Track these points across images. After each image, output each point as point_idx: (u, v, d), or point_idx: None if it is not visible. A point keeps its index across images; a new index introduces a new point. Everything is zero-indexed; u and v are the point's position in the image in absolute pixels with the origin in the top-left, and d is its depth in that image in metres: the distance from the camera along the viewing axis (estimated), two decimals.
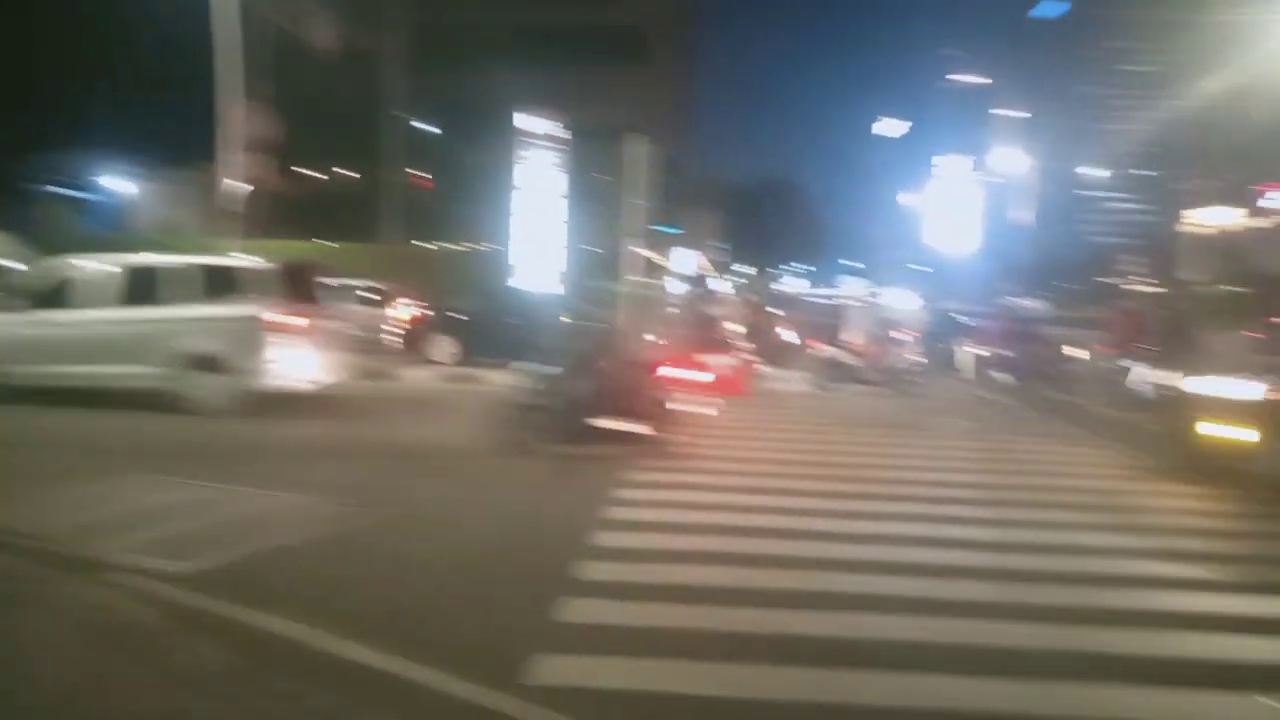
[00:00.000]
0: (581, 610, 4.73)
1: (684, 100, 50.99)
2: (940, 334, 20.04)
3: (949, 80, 55.66)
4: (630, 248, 15.60)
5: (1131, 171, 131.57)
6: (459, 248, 29.65)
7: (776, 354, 17.54)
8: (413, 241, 30.76)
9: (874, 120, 59.87)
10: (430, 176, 34.64)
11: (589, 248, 23.70)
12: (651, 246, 24.21)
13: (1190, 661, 4.32)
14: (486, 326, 16.61)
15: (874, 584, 5.27)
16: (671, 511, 6.79)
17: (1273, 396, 7.99)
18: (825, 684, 3.96)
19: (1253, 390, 8.17)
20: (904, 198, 62.60)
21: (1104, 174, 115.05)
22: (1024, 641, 4.49)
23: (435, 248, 30.75)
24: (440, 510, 6.82)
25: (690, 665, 4.09)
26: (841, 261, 76.39)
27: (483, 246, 27.01)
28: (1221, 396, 8.49)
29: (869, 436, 10.97)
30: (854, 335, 16.11)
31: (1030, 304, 20.52)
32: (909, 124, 56.65)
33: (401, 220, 29.83)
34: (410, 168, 32.11)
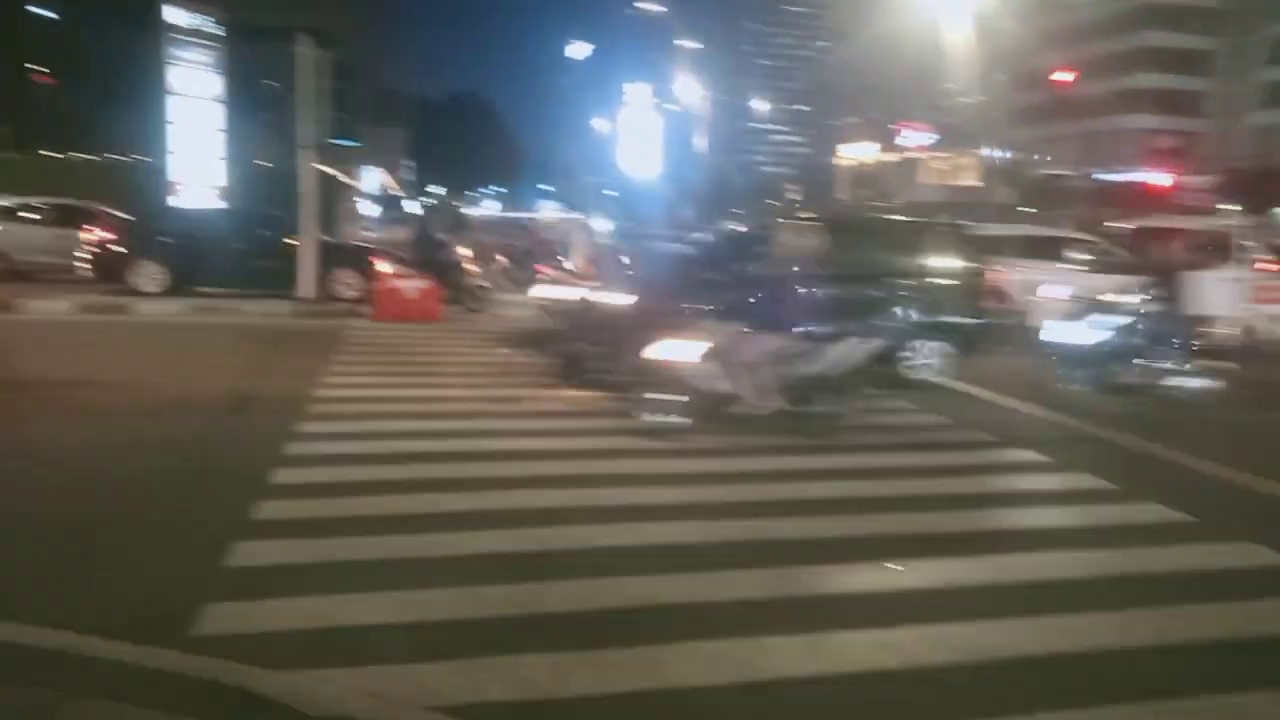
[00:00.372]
0: (255, 552, 4.38)
1: (362, 3, 47.63)
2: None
3: (634, 8, 57.08)
4: (309, 163, 14.30)
5: (796, 107, 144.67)
6: (99, 158, 25.74)
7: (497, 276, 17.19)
8: (42, 151, 26.26)
9: (567, 42, 60.13)
10: (49, 71, 29.46)
11: (260, 162, 21.57)
12: (333, 163, 22.53)
13: (832, 540, 4.91)
14: (204, 249, 14.59)
15: (556, 498, 5.40)
16: (354, 443, 6.47)
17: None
18: (516, 597, 4.00)
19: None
20: (597, 123, 63.83)
21: (771, 107, 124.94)
22: (703, 537, 4.86)
23: (63, 157, 26.43)
24: (84, 460, 5.95)
25: (372, 596, 3.95)
26: (540, 186, 76.84)
27: (130, 157, 23.65)
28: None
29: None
30: (577, 259, 16.19)
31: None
32: (594, 48, 57.57)
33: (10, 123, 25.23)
34: (28, 61, 27.16)
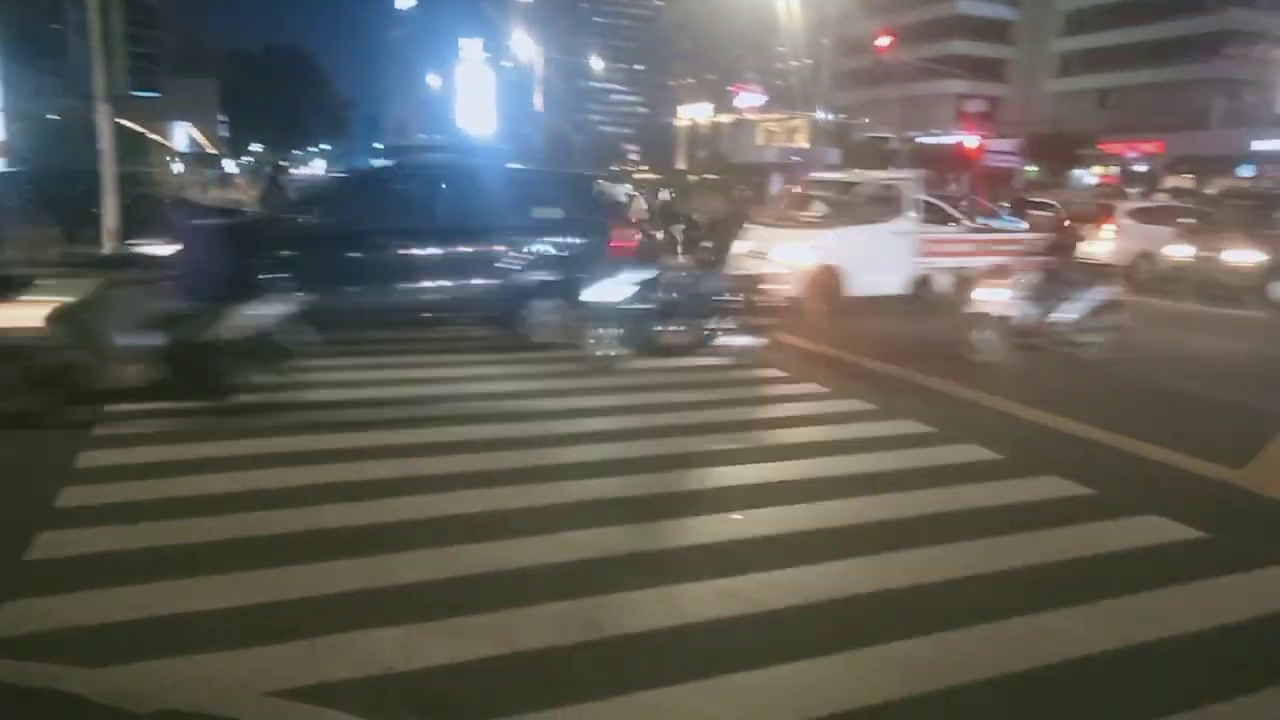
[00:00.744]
0: (60, 543, 4.02)
1: None
2: None
3: None
4: (106, 117, 12.98)
5: (634, 67, 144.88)
6: None
7: None
8: None
9: None
10: None
11: (48, 115, 19.47)
12: (138, 118, 20.60)
13: (684, 494, 5.02)
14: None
15: (407, 467, 5.26)
16: (161, 420, 6.03)
17: None
18: (363, 571, 3.87)
19: None
20: (431, 79, 61.65)
21: (608, 66, 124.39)
22: (556, 498, 4.85)
23: None
24: None
25: (199, 581, 3.71)
26: (375, 145, 73.67)
27: None
28: None
29: None
30: None
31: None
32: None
33: None
34: None
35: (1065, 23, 67.54)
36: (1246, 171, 47.24)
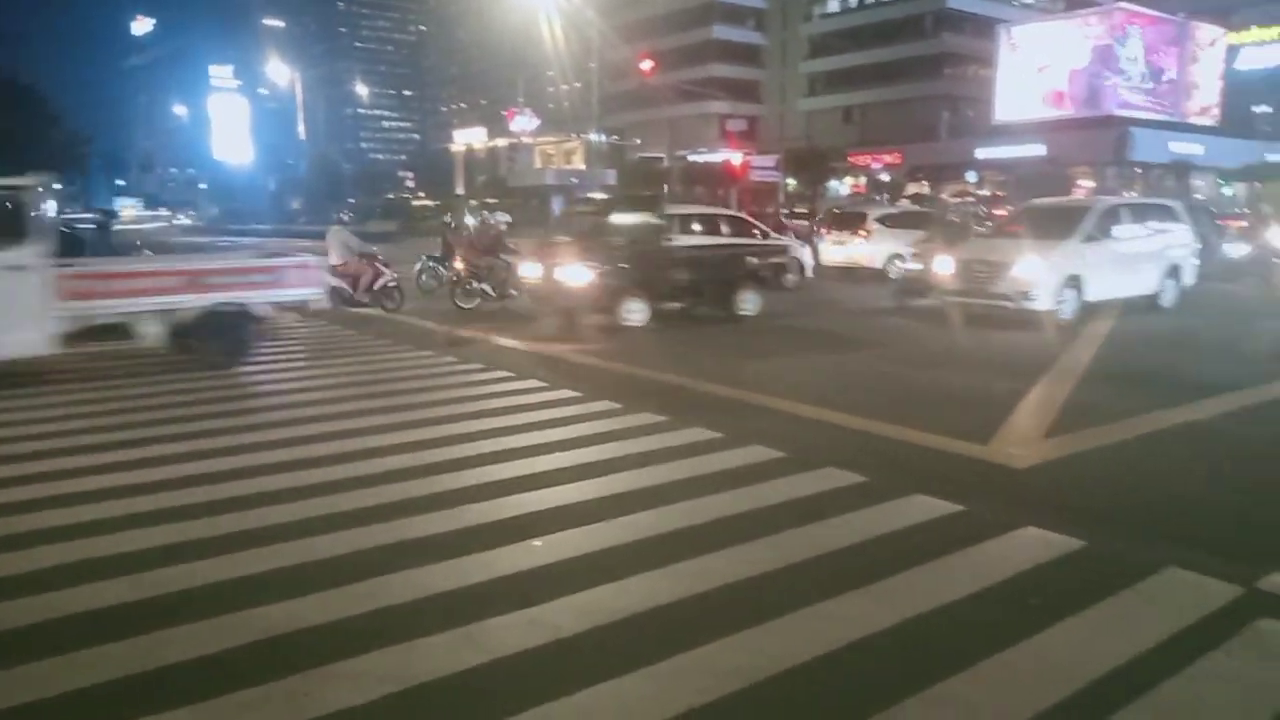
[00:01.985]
0: None
1: None
2: None
3: None
4: None
5: (404, 92, 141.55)
6: None
7: None
8: None
9: (131, 18, 53.08)
10: None
11: None
12: None
13: (483, 526, 4.91)
14: None
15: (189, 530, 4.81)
16: None
17: None
18: (129, 655, 3.48)
19: None
20: (179, 109, 57.35)
21: (375, 92, 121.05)
22: (336, 549, 4.59)
23: None
24: None
25: None
26: (117, 182, 67.26)
27: None
28: None
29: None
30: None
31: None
32: (158, 22, 51.67)
33: None
34: None
35: (809, 46, 73.12)
36: (971, 177, 53.05)
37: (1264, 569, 4.21)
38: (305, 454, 6.29)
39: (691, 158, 57.69)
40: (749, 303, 13.65)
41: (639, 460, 6.11)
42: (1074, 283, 12.89)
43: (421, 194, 76.72)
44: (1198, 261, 15.51)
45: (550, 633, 3.66)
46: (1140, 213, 14.90)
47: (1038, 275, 12.56)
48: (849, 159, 59.13)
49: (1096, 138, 50.38)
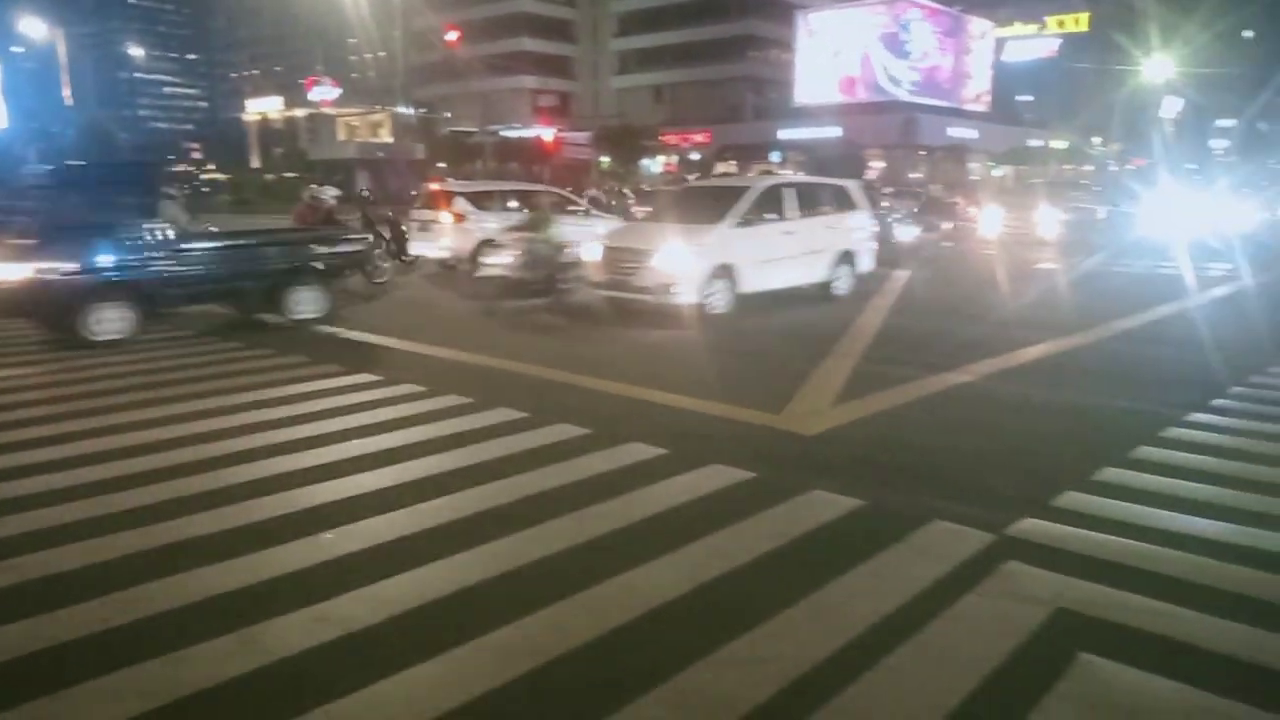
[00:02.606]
0: None
1: None
2: None
3: None
4: None
5: (187, 56, 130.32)
6: None
7: None
8: None
9: None
10: None
11: None
12: None
13: (269, 521, 4.64)
14: None
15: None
16: None
17: None
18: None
19: None
20: None
21: (158, 55, 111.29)
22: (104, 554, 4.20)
23: None
24: None
25: None
26: None
27: None
28: None
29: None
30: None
31: None
32: None
33: None
34: None
35: (619, 24, 73.65)
36: (775, 157, 55.43)
37: (1014, 516, 4.66)
38: (74, 452, 5.70)
39: (504, 133, 56.87)
40: (309, 304, 10.98)
41: (443, 444, 5.97)
42: (725, 273, 11.41)
43: (211, 166, 71.35)
44: (875, 245, 14.48)
45: (339, 628, 3.50)
46: (808, 194, 13.25)
47: (680, 265, 10.96)
48: (661, 138, 60.28)
49: (886, 121, 53.91)
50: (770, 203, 12.36)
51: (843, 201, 13.79)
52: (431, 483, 5.20)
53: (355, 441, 6.01)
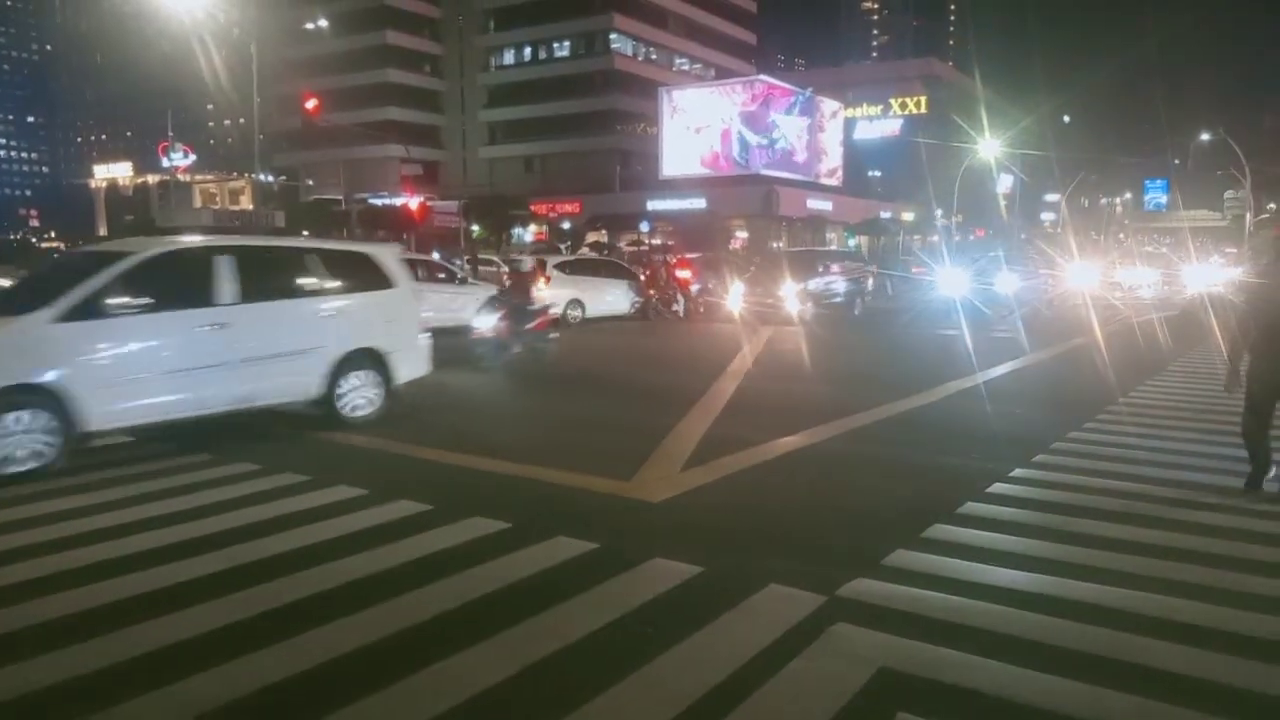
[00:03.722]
0: None
1: None
2: None
3: None
4: None
5: (27, 119, 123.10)
6: None
7: None
8: None
9: None
10: None
11: None
12: None
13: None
14: None
15: None
16: None
17: None
18: None
19: None
20: None
21: None
22: None
23: None
24: None
25: None
26: None
27: None
28: None
29: None
30: None
31: None
32: None
33: None
34: None
35: (488, 96, 74.49)
36: (644, 226, 56.67)
37: (847, 576, 4.75)
38: None
39: (371, 200, 56.04)
40: None
41: (274, 525, 5.63)
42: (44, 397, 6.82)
43: (51, 234, 67.08)
44: (426, 340, 9.70)
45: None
46: (270, 264, 8.82)
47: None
48: (531, 207, 60.74)
49: (748, 193, 56.17)
50: (167, 280, 7.77)
51: (359, 275, 9.22)
52: (256, 568, 4.88)
53: (176, 527, 5.60)
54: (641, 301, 23.05)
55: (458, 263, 23.49)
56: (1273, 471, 6.53)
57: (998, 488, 6.59)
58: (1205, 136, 55.97)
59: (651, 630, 4.11)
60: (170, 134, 50.58)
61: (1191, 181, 72.91)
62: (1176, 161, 77.34)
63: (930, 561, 5.01)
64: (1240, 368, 6.51)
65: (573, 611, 4.33)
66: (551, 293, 21.14)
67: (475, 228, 56.07)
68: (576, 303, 21.22)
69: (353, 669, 3.74)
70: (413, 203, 34.17)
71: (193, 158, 53.74)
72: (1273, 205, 77.70)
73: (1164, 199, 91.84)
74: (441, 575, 4.78)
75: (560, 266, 22.27)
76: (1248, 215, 53.36)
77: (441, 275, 18.92)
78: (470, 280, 20.15)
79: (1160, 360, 14.40)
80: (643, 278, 23.64)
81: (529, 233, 59.82)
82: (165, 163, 57.60)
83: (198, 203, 61.90)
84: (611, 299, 22.50)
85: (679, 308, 23.50)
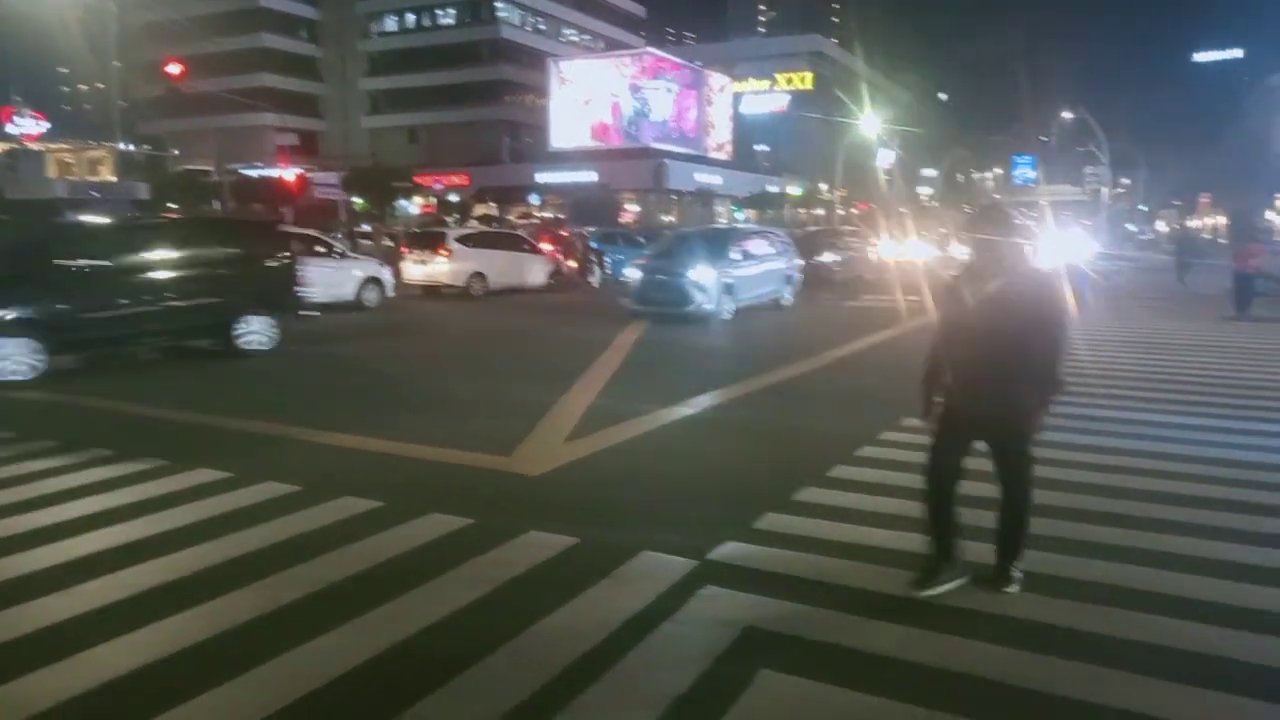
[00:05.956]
0: None
1: None
2: None
3: None
4: None
5: None
6: None
7: None
8: None
9: None
10: None
11: None
12: None
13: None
14: None
15: None
16: None
17: None
18: None
19: None
20: None
21: None
22: None
23: None
24: None
25: None
26: None
27: None
28: None
29: None
30: None
31: None
32: None
33: None
34: None
35: (369, 64, 71.96)
36: (534, 199, 56.07)
37: (716, 541, 4.85)
38: None
39: (245, 172, 53.48)
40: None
41: (135, 510, 5.35)
42: None
43: None
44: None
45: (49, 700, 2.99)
46: None
47: None
48: (416, 179, 59.19)
49: (638, 166, 56.22)
50: None
51: None
52: (114, 554, 4.64)
53: (44, 511, 5.25)
54: (557, 272, 23.61)
55: (338, 236, 22.85)
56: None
57: (866, 450, 6.83)
58: (1068, 114, 59.17)
59: (526, 604, 4.10)
60: (17, 99, 46.82)
61: (1056, 157, 76.97)
62: (1044, 139, 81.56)
63: (799, 523, 5.16)
64: (936, 396, 4.41)
65: (445, 588, 4.28)
66: (453, 265, 20.97)
67: (357, 200, 54.28)
68: (479, 275, 21.19)
69: (213, 655, 3.60)
70: (289, 174, 32.80)
71: (46, 125, 49.91)
72: (1127, 180, 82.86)
73: (1032, 174, 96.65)
74: (308, 557, 4.65)
75: (462, 240, 22.06)
76: (1103, 189, 56.80)
77: (320, 249, 18.30)
78: (349, 254, 19.80)
79: None
80: (550, 250, 24.03)
81: (414, 205, 58.30)
82: (10, 129, 53.31)
83: (52, 172, 57.64)
84: (516, 271, 22.41)
85: (594, 279, 24.90)
